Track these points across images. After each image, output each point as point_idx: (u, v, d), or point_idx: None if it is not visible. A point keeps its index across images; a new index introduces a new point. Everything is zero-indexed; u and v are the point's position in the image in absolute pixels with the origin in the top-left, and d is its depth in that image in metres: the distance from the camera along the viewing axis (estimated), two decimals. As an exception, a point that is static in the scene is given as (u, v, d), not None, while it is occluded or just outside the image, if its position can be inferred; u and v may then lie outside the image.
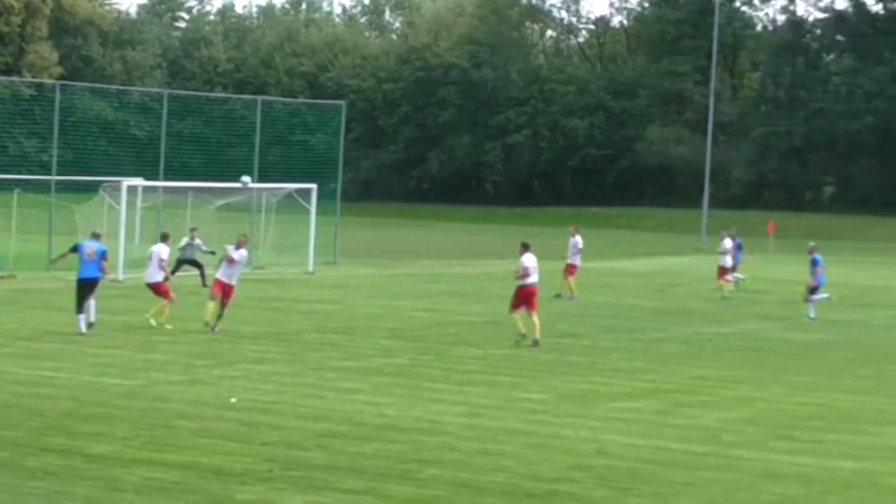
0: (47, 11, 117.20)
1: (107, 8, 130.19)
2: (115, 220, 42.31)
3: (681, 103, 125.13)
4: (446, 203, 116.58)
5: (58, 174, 46.29)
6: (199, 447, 16.84)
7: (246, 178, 45.70)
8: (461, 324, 31.74)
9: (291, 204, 48.89)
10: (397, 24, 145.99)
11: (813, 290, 36.21)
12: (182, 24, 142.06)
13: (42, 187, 47.72)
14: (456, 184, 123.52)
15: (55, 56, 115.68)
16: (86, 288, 27.47)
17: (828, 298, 36.23)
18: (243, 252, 29.47)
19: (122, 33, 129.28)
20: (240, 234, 31.02)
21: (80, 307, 27.36)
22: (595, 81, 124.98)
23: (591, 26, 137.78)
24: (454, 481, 15.46)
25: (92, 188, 46.43)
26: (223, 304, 28.58)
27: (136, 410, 19.27)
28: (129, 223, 43.33)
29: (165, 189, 47.38)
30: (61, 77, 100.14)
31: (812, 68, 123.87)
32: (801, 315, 35.92)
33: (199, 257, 40.01)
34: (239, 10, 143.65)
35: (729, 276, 42.73)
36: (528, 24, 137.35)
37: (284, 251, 48.90)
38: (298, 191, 48.37)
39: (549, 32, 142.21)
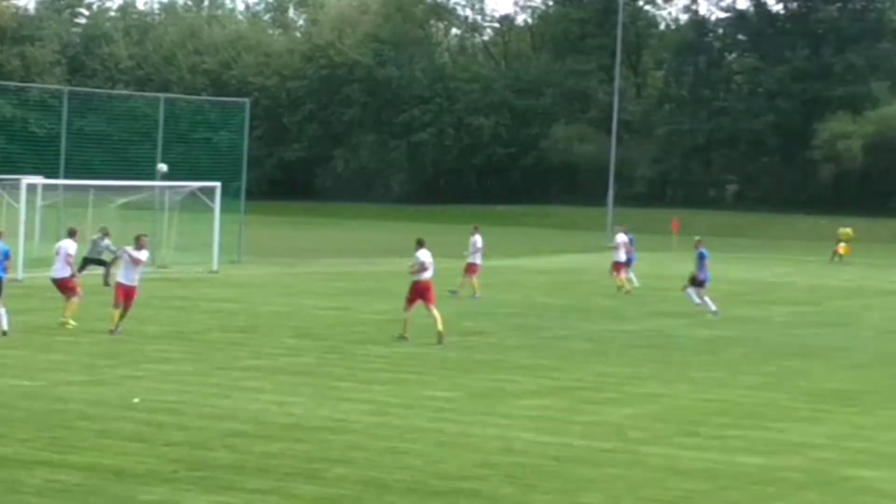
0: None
1: (4, 4, 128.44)
2: (14, 218, 41.71)
3: (585, 102, 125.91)
4: (351, 201, 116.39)
5: (-45, 173, 45.57)
6: (102, 448, 16.61)
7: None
8: (367, 322, 31.63)
9: (195, 202, 48.51)
10: (301, 22, 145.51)
11: (700, 283, 36.54)
12: (82, 21, 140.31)
13: (-62, 186, 46.95)
14: (361, 182, 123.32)
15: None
16: (-10, 288, 26.99)
17: (716, 312, 36.39)
18: (146, 252, 29.18)
19: (20, 29, 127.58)
20: (139, 233, 30.59)
21: (-16, 308, 26.87)
22: (500, 80, 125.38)
23: (496, 24, 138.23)
24: (361, 480, 15.38)
25: (-10, 186, 45.78)
26: (126, 308, 28.25)
27: (37, 412, 18.97)
28: (29, 222, 42.73)
29: (66, 187, 46.79)
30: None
31: (714, 67, 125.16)
32: (704, 312, 36.21)
33: (107, 256, 39.55)
34: (140, 6, 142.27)
35: (624, 274, 43.16)
36: (432, 22, 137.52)
37: (188, 250, 48.50)
38: (202, 189, 47.99)
39: (454, 31, 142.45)
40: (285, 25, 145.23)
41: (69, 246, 29.78)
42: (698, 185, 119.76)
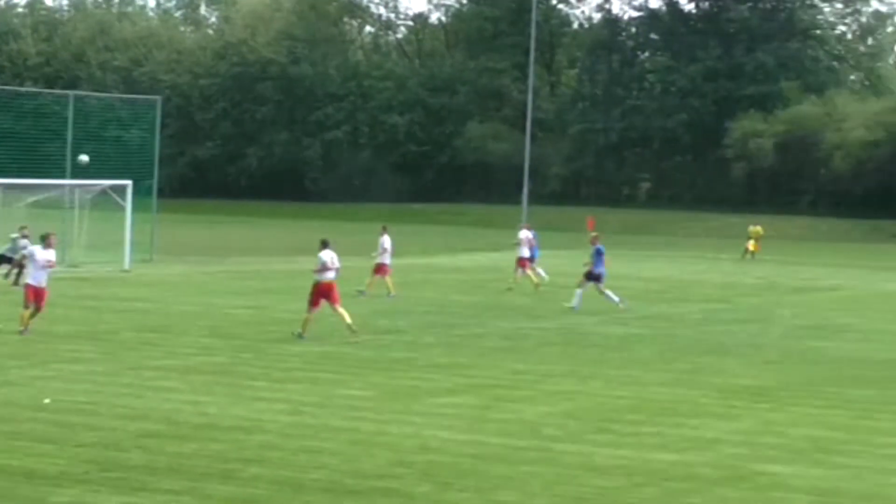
0: None
1: None
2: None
3: (499, 100, 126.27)
4: (265, 200, 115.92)
5: None
6: (12, 450, 16.37)
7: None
8: (280, 321, 31.43)
9: (106, 201, 48.03)
10: (213, 19, 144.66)
11: (596, 277, 36.78)
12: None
13: None
14: (274, 180, 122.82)
15: None
16: None
17: (618, 302, 36.72)
18: (52, 251, 28.88)
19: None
20: (47, 232, 30.18)
21: None
22: (414, 78, 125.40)
23: (410, 22, 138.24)
24: (276, 480, 15.28)
25: None
26: (38, 308, 27.93)
27: (-55, 413, 18.67)
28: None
29: (-27, 186, 46.12)
30: None
31: (627, 66, 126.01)
32: (617, 309, 36.40)
33: (18, 256, 39.02)
34: (49, 2, 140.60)
35: (529, 270, 43.45)
36: (346, 19, 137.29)
37: (99, 249, 48.02)
38: (113, 187, 47.51)
39: (368, 28, 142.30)
40: (197, 22, 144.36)
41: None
42: (612, 184, 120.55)
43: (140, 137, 59.25)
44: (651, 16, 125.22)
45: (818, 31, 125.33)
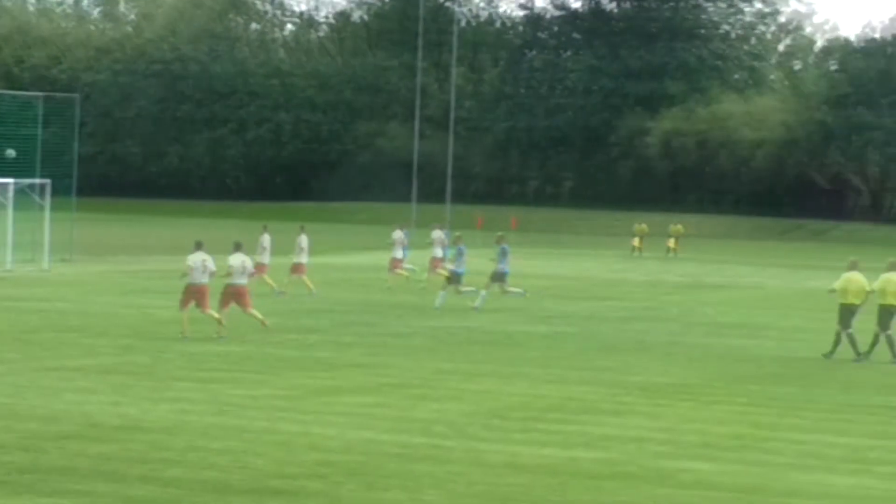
0: None
1: None
2: None
3: (423, 98, 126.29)
4: (186, 198, 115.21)
5: None
6: (-72, 453, 16.10)
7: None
8: (202, 321, 31.16)
9: (24, 200, 47.47)
10: (133, 16, 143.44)
11: (501, 276, 36.92)
12: None
13: None
14: (195, 178, 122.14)
15: None
16: None
17: (523, 294, 37.05)
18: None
19: None
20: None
21: None
22: (336, 76, 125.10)
23: (333, 21, 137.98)
24: (198, 481, 15.13)
25: None
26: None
27: None
28: None
29: None
30: None
31: (550, 65, 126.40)
32: (541, 308, 36.48)
33: None
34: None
35: (400, 269, 43.67)
36: (268, 17, 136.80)
37: (17, 249, 47.42)
38: (31, 186, 46.96)
39: (290, 26, 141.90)
40: (116, 20, 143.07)
41: None
42: (535, 183, 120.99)
43: (59, 136, 58.62)
44: (573, 15, 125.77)
45: (737, 31, 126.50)
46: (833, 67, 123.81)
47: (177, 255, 55.75)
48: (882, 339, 27.92)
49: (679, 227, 73.03)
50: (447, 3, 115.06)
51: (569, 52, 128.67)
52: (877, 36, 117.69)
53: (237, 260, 29.01)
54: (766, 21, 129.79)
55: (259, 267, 39.98)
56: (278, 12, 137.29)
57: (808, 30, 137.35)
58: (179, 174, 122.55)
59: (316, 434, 18.01)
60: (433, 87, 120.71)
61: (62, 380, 22.05)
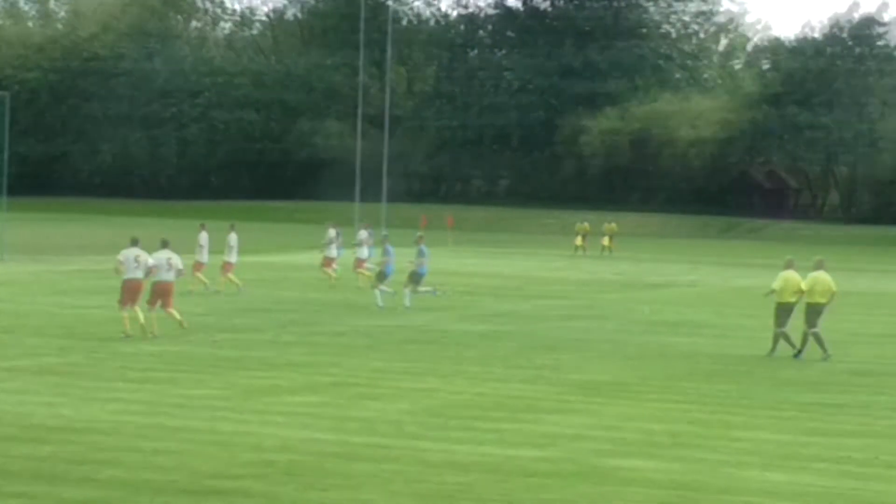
0: None
1: None
2: None
3: (355, 98, 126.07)
4: (120, 197, 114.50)
5: None
6: None
7: None
8: (136, 320, 31.00)
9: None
10: (63, 14, 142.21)
11: (418, 277, 36.95)
12: None
13: None
14: (129, 177, 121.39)
15: None
16: None
17: (433, 292, 37.11)
18: None
19: None
20: None
21: None
22: (270, 74, 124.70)
23: (265, 18, 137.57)
24: (134, 481, 15.02)
25: None
26: None
27: None
28: None
29: None
30: None
31: (485, 64, 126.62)
32: (479, 307, 36.52)
33: None
34: None
35: (336, 266, 43.74)
36: (201, 15, 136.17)
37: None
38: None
39: (224, 24, 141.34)
40: (46, 17, 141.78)
41: None
42: (471, 181, 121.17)
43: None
44: (507, 13, 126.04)
45: (669, 31, 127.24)
46: (766, 67, 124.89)
47: (112, 254, 55.49)
48: (810, 337, 28.08)
49: (613, 225, 73.37)
50: (387, 2, 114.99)
51: (504, 51, 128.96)
52: (814, 35, 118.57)
53: (162, 256, 28.80)
54: (699, 20, 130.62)
55: (197, 265, 39.94)
56: (218, 10, 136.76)
57: (741, 29, 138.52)
58: (114, 173, 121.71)
59: (255, 434, 17.93)
60: (372, 85, 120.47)
61: (-4, 380, 21.85)
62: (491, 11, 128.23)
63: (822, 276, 28.32)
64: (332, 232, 44.73)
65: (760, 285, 48.16)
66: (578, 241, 70.77)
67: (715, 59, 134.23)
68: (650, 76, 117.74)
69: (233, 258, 40.25)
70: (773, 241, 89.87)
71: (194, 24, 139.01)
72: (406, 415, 19.77)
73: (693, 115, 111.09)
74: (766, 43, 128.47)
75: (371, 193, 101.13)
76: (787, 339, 28.10)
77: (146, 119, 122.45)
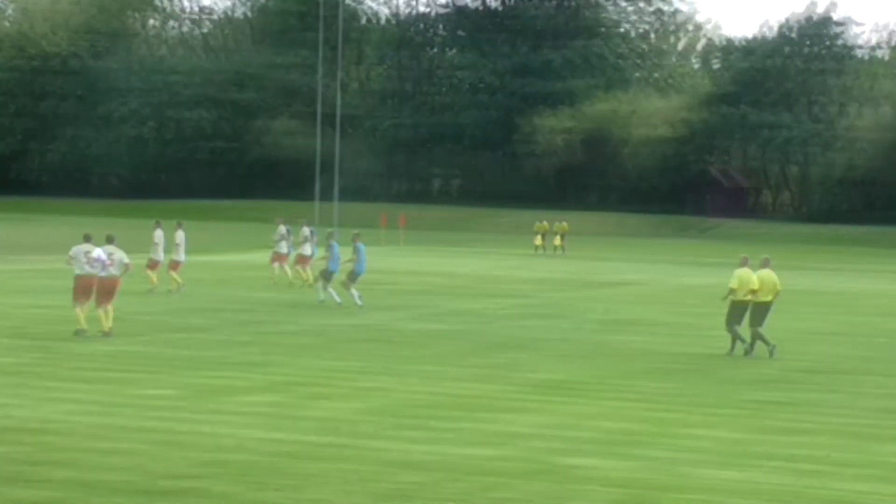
0: None
1: None
2: None
3: (308, 96, 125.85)
4: (66, 196, 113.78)
5: None
6: None
7: None
8: (88, 320, 30.80)
9: None
10: (10, 11, 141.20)
11: (354, 276, 36.92)
12: None
13: None
14: (76, 176, 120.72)
15: None
16: None
17: (340, 301, 36.85)
18: None
19: None
20: None
21: None
22: (217, 73, 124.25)
23: (216, 17, 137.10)
24: (86, 482, 14.92)
25: None
26: None
27: None
28: None
29: None
30: None
31: (436, 62, 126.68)
32: (433, 306, 36.49)
33: None
34: None
35: (287, 265, 43.67)
36: (145, 13, 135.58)
37: None
38: None
39: (173, 23, 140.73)
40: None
41: None
42: (423, 180, 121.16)
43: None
44: (458, 12, 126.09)
45: (616, 30, 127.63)
46: (717, 66, 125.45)
47: (59, 253, 55.13)
48: (754, 335, 28.20)
49: (564, 224, 73.51)
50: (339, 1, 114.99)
51: (456, 50, 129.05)
52: (769, 35, 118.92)
53: (101, 252, 28.67)
54: (650, 19, 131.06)
55: (173, 264, 39.83)
56: (177, 9, 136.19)
57: (694, 29, 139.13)
58: (66, 172, 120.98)
59: (210, 434, 17.86)
60: (326, 84, 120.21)
61: (-55, 381, 21.67)
62: (443, 11, 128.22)
63: (768, 274, 28.47)
64: (306, 230, 44.57)
65: (712, 284, 48.49)
66: (538, 240, 70.83)
67: (674, 58, 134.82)
68: (604, 76, 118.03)
69: (181, 257, 40.15)
70: (725, 240, 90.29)
71: (152, 22, 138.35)
72: (361, 414, 19.74)
73: (648, 115, 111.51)
74: (724, 43, 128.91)
75: (324, 192, 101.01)
76: (740, 337, 28.23)
77: (98, 118, 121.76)
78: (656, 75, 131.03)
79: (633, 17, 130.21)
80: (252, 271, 49.33)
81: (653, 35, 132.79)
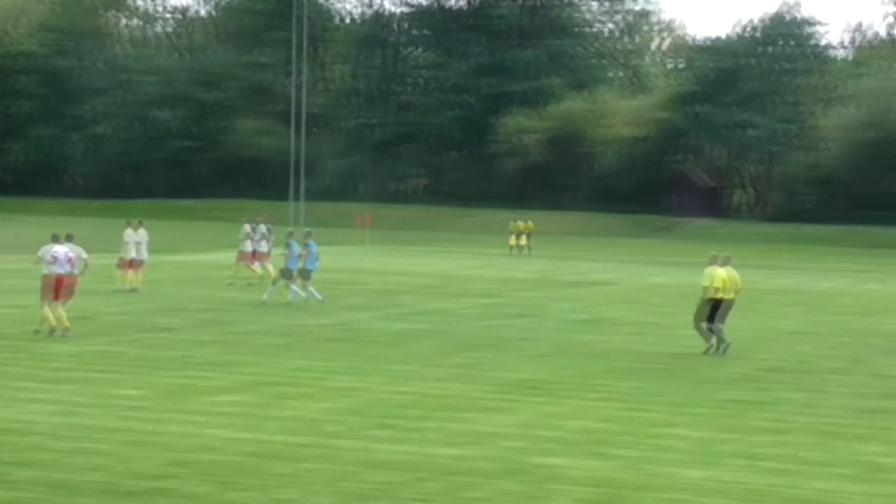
0: None
1: None
2: None
3: (269, 95, 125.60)
4: (30, 196, 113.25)
5: None
6: None
7: None
8: (57, 319, 30.63)
9: None
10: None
11: (306, 274, 36.87)
12: None
13: None
14: (40, 176, 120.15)
15: None
16: None
17: (305, 296, 36.74)
18: None
19: None
20: None
21: None
22: (181, 72, 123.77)
23: (178, 16, 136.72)
24: (50, 482, 14.84)
25: None
26: None
27: None
28: None
29: None
30: None
31: (398, 62, 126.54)
32: (397, 305, 36.46)
33: None
34: None
35: (253, 263, 43.61)
36: (109, 12, 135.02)
37: None
38: None
39: (133, 21, 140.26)
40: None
41: None
42: (387, 179, 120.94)
43: None
44: (420, 11, 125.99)
45: (584, 29, 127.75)
46: (681, 66, 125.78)
47: (20, 253, 54.83)
48: (716, 331, 28.27)
49: (530, 223, 73.52)
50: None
51: (418, 49, 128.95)
52: (730, 35, 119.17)
53: (61, 250, 28.52)
54: (615, 19, 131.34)
55: (132, 263, 39.66)
56: (152, 8, 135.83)
57: (654, 28, 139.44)
58: (25, 171, 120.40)
59: (170, 433, 17.79)
60: (287, 83, 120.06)
61: None
62: (403, 10, 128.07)
63: (730, 272, 28.59)
64: (247, 227, 44.49)
65: (678, 283, 48.63)
66: (513, 240, 70.66)
67: (647, 59, 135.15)
68: (572, 75, 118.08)
69: (143, 255, 39.99)
70: (691, 240, 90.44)
71: (121, 21, 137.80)
72: (325, 414, 19.70)
73: (606, 114, 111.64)
74: (693, 42, 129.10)
75: (283, 191, 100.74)
76: (705, 334, 28.29)
77: (57, 117, 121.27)
78: (621, 74, 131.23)
79: (603, 17, 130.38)
80: (217, 271, 49.16)
81: (617, 33, 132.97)
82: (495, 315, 36.06)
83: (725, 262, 28.81)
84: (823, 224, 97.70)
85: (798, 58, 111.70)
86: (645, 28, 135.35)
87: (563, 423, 19.50)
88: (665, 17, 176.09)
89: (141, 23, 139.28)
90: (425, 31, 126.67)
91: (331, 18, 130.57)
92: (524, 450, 17.48)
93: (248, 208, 75.43)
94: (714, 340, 28.21)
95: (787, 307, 41.15)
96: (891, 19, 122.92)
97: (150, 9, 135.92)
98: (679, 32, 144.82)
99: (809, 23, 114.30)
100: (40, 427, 17.97)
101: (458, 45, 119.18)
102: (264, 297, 36.29)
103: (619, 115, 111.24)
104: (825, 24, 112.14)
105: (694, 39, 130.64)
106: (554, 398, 21.87)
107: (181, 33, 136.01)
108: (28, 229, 75.46)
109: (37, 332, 27.69)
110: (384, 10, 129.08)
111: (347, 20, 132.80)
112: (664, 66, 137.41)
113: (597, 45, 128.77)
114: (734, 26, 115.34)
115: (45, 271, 28.39)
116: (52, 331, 27.63)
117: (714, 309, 28.25)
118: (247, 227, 44.44)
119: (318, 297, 36.37)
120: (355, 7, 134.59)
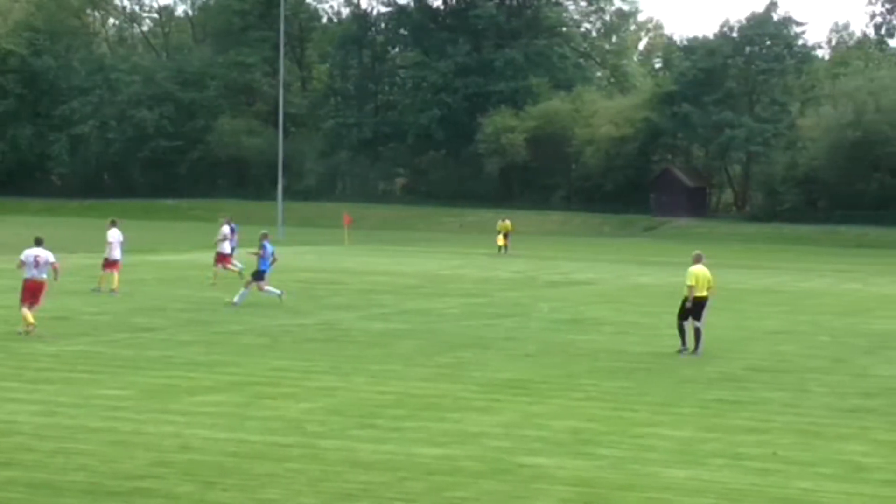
0: None
1: None
2: None
3: (251, 94, 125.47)
4: (10, 196, 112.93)
5: None
6: None
7: None
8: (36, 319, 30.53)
9: None
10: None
11: (260, 275, 36.78)
12: None
13: None
14: (19, 176, 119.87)
15: None
16: None
17: (280, 294, 36.75)
18: None
19: None
20: None
21: None
22: (161, 71, 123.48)
23: (156, 15, 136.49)
24: (32, 483, 14.80)
25: None
26: None
27: None
28: None
29: None
30: None
31: (379, 61, 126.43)
32: (378, 305, 36.41)
33: None
34: None
35: (231, 264, 43.54)
36: (89, 11, 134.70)
37: None
38: None
39: (112, 20, 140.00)
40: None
41: None
42: (368, 179, 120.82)
43: None
44: (400, 11, 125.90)
45: (564, 29, 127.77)
46: (658, 66, 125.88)
47: (3, 254, 54.63)
48: (691, 328, 28.27)
49: (507, 223, 73.44)
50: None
51: (399, 49, 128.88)
52: (710, 36, 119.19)
53: (30, 254, 28.42)
54: (597, 19, 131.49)
55: (111, 263, 39.61)
56: (136, 7, 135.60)
57: (636, 28, 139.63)
58: (5, 171, 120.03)
59: (152, 433, 17.75)
60: (266, 83, 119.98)
61: None
62: (383, 9, 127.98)
63: (702, 270, 28.60)
64: (226, 228, 44.42)
65: (658, 283, 48.67)
66: (500, 240, 70.40)
67: (634, 58, 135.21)
68: (552, 75, 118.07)
69: (116, 254, 39.91)
70: (671, 239, 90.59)
71: (111, 20, 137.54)
72: (307, 414, 19.67)
73: (588, 114, 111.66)
74: (676, 42, 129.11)
75: (264, 191, 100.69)
76: (684, 334, 28.30)
77: (36, 116, 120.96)
78: (599, 74, 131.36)
79: (583, 16, 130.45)
80: (196, 270, 49.05)
81: (594, 33, 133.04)
82: (478, 315, 36.02)
83: (696, 260, 28.83)
84: (804, 224, 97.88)
85: (779, 58, 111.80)
86: (628, 27, 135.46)
87: (547, 423, 19.50)
88: (644, 17, 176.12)
89: (123, 22, 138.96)
90: (406, 31, 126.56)
91: (312, 18, 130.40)
92: (508, 449, 17.48)
93: (228, 208, 75.43)
94: (691, 342, 28.19)
95: (768, 307, 41.20)
96: (878, 19, 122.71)
97: (132, 8, 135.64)
98: (661, 32, 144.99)
99: (791, 23, 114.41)
100: (22, 427, 17.92)
101: (440, 44, 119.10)
102: (235, 298, 36.14)
103: (602, 114, 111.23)
104: (802, 24, 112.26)
105: (671, 38, 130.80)
106: (536, 398, 21.86)
107: (159, 33, 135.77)
108: (7, 229, 75.26)
109: (26, 333, 27.57)
110: (367, 9, 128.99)
111: (326, 20, 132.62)
112: (647, 65, 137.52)
113: (580, 44, 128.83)
114: (721, 26, 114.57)
115: (25, 274, 28.34)
116: (26, 331, 27.56)
117: (699, 307, 28.24)
118: (225, 229, 44.27)
119: (276, 292, 36.36)
120: (333, 7, 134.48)
